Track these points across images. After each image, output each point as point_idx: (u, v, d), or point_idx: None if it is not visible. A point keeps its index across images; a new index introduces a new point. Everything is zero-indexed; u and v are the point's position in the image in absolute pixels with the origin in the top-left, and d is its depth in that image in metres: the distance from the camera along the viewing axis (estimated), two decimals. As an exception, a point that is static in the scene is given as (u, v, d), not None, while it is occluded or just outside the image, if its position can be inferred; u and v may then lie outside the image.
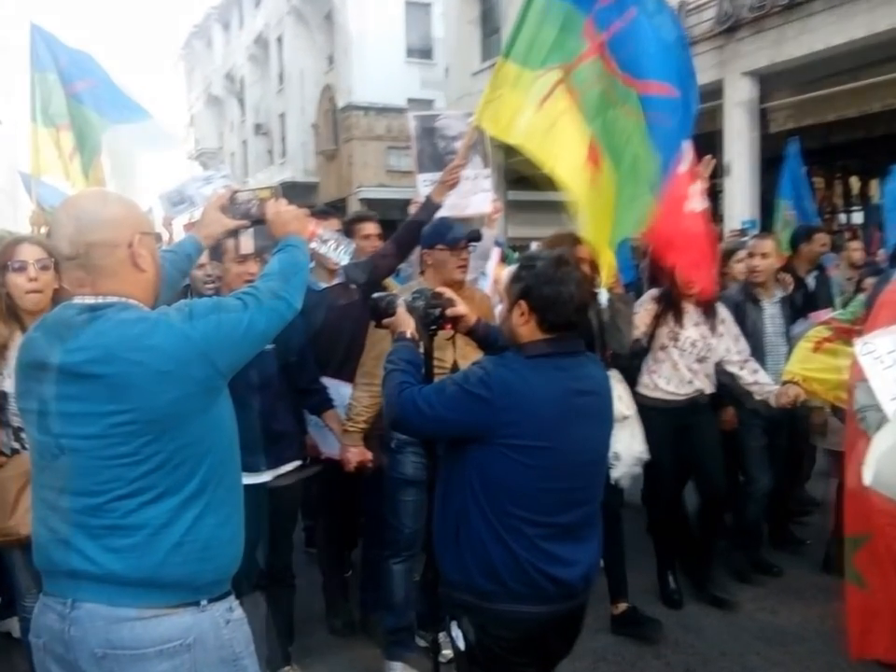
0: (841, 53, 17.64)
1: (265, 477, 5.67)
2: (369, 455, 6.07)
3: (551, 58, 6.14)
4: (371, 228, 7.30)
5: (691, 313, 7.13)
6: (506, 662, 3.99)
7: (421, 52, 44.09)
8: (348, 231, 6.93)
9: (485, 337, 4.57)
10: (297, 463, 5.94)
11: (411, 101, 40.37)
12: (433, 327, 4.41)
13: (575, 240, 6.22)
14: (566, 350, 3.93)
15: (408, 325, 4.28)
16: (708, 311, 7.20)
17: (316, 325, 6.23)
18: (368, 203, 38.91)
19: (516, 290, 3.93)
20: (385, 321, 4.41)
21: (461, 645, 4.01)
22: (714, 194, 17.75)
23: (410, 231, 6.33)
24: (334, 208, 11.36)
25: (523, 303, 3.88)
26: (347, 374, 6.24)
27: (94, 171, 10.67)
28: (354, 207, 38.69)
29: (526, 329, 3.90)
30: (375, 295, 4.61)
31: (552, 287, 3.82)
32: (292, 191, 43.13)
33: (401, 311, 4.33)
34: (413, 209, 7.00)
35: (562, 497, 3.87)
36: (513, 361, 3.88)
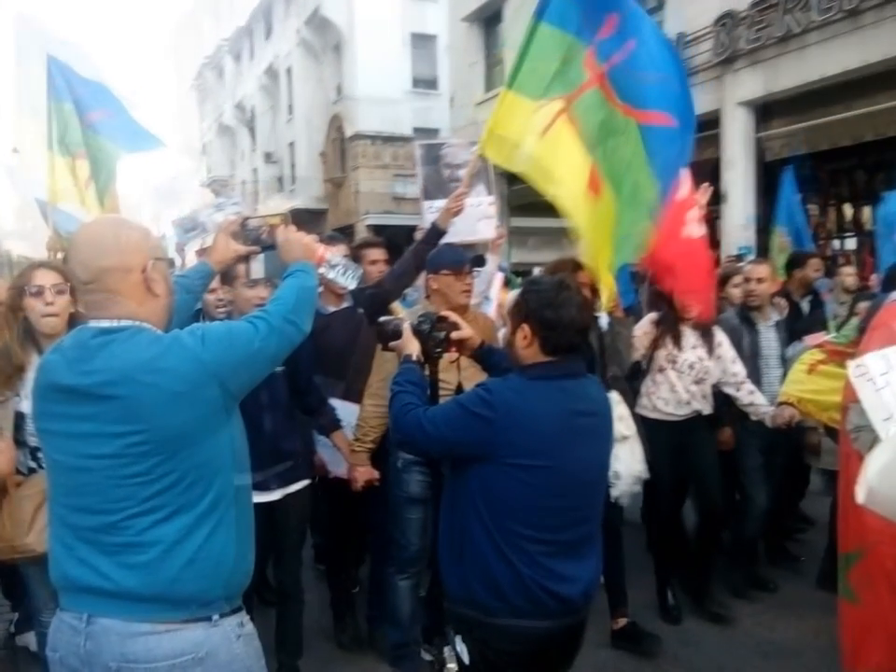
0: (834, 84, 17.71)
1: (275, 495, 5.70)
2: (376, 474, 6.12)
3: (553, 88, 6.15)
4: (377, 253, 7.34)
5: (688, 336, 7.15)
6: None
7: (426, 83, 44.23)
8: (355, 256, 6.94)
9: (489, 359, 4.61)
10: (306, 482, 5.98)
11: (416, 130, 40.51)
12: (438, 349, 4.43)
13: (576, 265, 6.25)
14: (567, 372, 3.95)
15: (414, 348, 4.30)
16: (706, 334, 7.22)
17: (324, 347, 6.24)
18: (374, 229, 38.99)
19: (520, 314, 3.96)
20: (392, 344, 4.43)
21: (465, 659, 4.02)
22: (711, 221, 17.75)
23: (415, 257, 6.35)
24: (342, 234, 11.39)
25: (525, 326, 3.90)
26: (354, 396, 6.27)
27: (109, 198, 10.71)
28: (361, 233, 38.77)
29: (529, 351, 3.92)
30: (382, 319, 4.63)
31: (553, 310, 3.84)
32: (302, 218, 43.20)
33: (407, 334, 4.35)
34: (418, 235, 7.02)
35: (563, 514, 3.88)
36: (516, 382, 3.90)
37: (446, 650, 4.33)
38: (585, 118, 6.13)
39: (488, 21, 31.64)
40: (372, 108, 42.20)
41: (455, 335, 4.46)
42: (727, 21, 19.94)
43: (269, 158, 55.44)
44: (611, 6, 6.10)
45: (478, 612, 3.90)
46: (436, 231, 6.39)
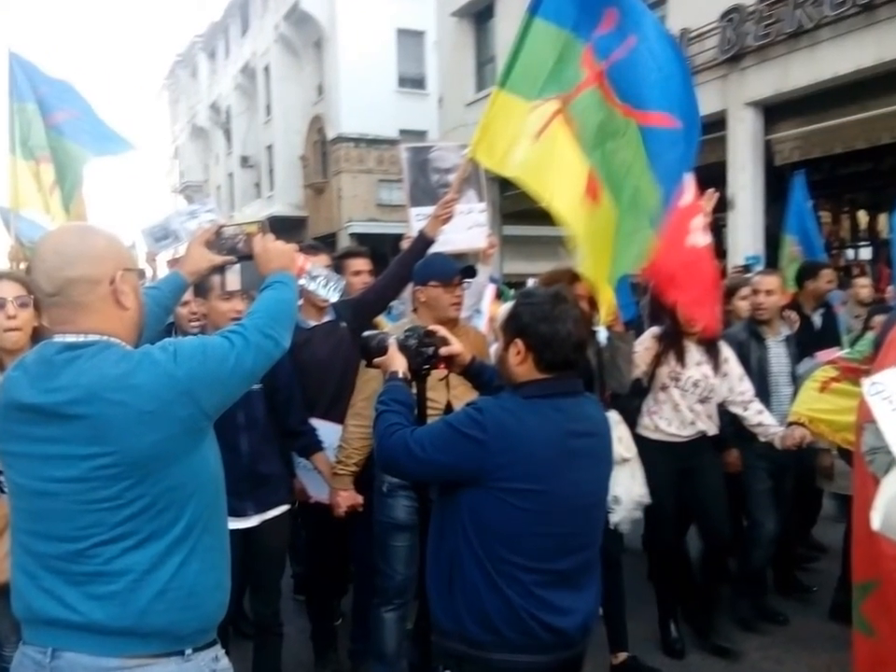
0: (848, 83, 17.74)
1: (252, 521, 5.69)
2: (359, 499, 6.10)
3: (548, 88, 6.17)
4: (361, 264, 7.32)
5: (693, 351, 7.16)
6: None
7: (413, 82, 44.27)
8: (338, 267, 6.93)
9: (480, 376, 4.62)
10: (285, 507, 5.97)
11: (403, 132, 40.57)
12: (426, 366, 4.44)
13: (573, 276, 6.25)
14: (563, 390, 3.95)
15: (400, 364, 4.29)
16: (711, 350, 7.22)
17: (305, 364, 6.26)
18: (358, 238, 39.06)
19: (513, 328, 3.96)
20: (377, 360, 4.44)
21: None
22: (717, 229, 17.75)
23: (402, 267, 6.36)
24: (324, 243, 11.42)
25: (519, 342, 3.90)
26: (337, 415, 6.27)
27: (76, 205, 10.70)
28: (344, 242, 38.81)
29: (523, 368, 3.92)
30: (366, 333, 4.63)
31: (549, 324, 3.84)
32: (280, 226, 43.22)
33: (393, 350, 4.34)
34: (405, 244, 7.02)
35: (559, 542, 3.88)
36: (509, 401, 3.89)
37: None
38: (583, 119, 6.14)
39: (479, 15, 31.67)
40: (356, 109, 42.16)
41: (444, 351, 4.45)
42: (734, 16, 19.97)
43: (245, 162, 55.44)
44: None
45: (468, 646, 3.89)
46: (424, 240, 6.43)
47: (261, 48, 50.69)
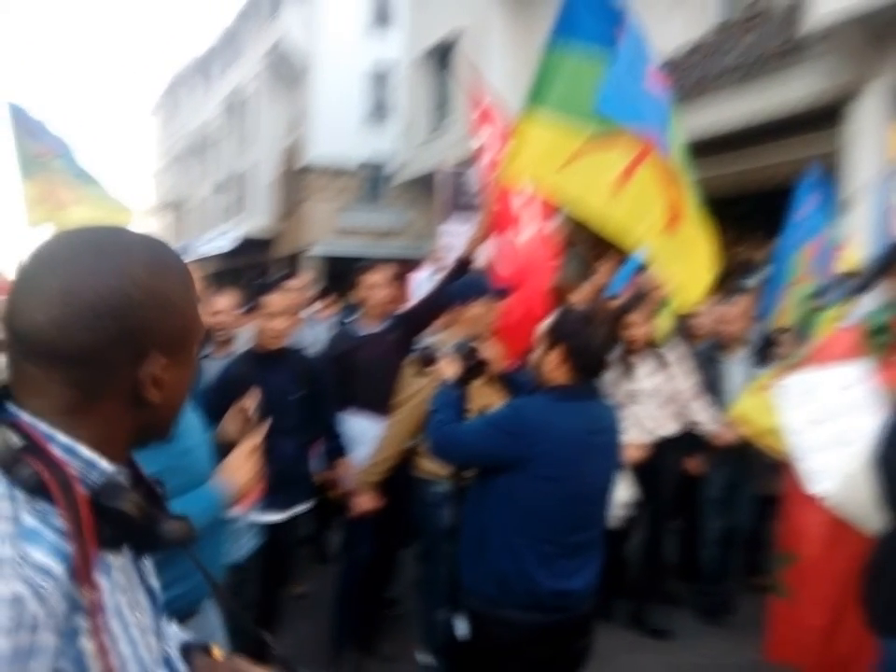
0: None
1: (279, 517, 5.88)
2: (373, 506, 6.11)
3: (576, 109, 6.17)
4: (376, 278, 6.91)
5: (643, 364, 7.40)
6: (497, 661, 4.44)
7: (381, 114, 43.84)
8: (355, 282, 6.93)
9: (511, 382, 5.27)
10: (307, 505, 6.20)
11: (364, 163, 40.87)
12: (472, 374, 4.87)
13: (571, 287, 6.41)
14: (587, 394, 4.40)
15: (450, 372, 4.77)
16: (654, 357, 7.46)
17: (354, 366, 6.39)
18: (321, 258, 39.35)
19: (556, 335, 4.36)
20: (430, 368, 4.94)
21: (461, 633, 4.46)
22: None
23: (443, 286, 6.54)
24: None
25: (559, 349, 4.30)
26: (379, 413, 6.28)
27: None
28: (307, 263, 38.84)
29: (558, 372, 4.33)
30: (420, 345, 5.26)
31: (588, 335, 4.29)
32: (250, 246, 43.53)
33: (444, 360, 4.83)
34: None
35: (576, 519, 4.32)
36: (542, 402, 4.32)
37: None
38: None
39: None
40: (328, 138, 41.85)
41: (485, 360, 4.95)
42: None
43: (222, 186, 54.87)
44: (618, 19, 6.16)
45: (484, 603, 4.36)
46: (462, 262, 6.68)
47: (246, 77, 50.23)
